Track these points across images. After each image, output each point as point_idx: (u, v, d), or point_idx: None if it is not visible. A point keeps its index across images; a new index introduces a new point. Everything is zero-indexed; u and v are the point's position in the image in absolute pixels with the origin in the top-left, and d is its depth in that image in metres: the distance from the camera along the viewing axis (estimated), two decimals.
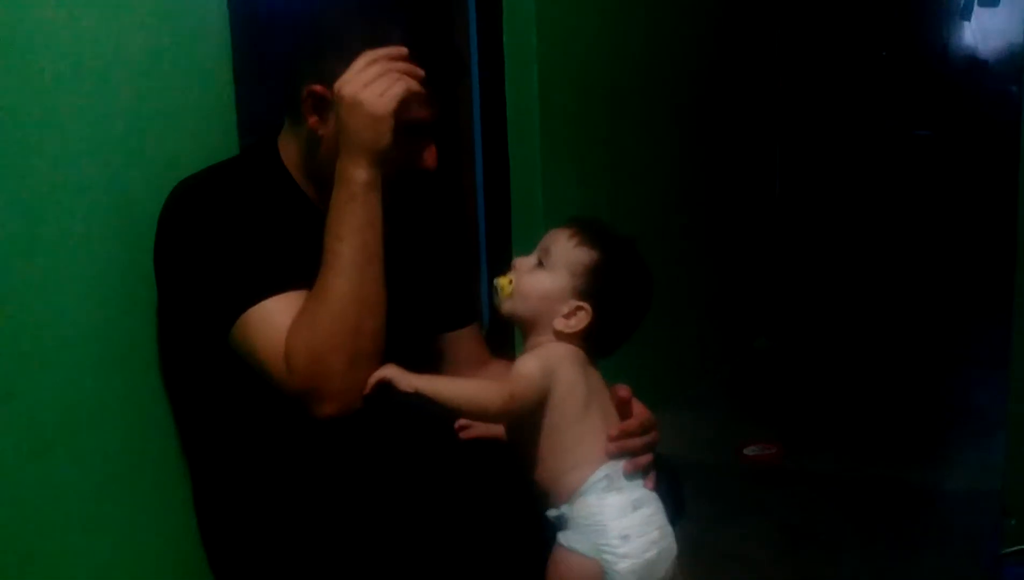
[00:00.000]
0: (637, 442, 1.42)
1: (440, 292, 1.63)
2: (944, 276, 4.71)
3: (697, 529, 2.39)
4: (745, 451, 2.95)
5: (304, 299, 1.30)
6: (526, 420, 1.39)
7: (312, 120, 1.38)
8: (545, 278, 1.42)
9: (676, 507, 1.59)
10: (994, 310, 2.69)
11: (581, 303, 1.40)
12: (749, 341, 4.20)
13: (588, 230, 1.45)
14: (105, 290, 1.40)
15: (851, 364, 3.98)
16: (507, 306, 1.43)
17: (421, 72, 1.32)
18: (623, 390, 1.44)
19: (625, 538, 1.37)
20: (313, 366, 1.26)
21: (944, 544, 2.37)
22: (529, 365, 1.37)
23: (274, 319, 1.29)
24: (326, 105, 1.36)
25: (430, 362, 1.55)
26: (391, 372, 1.30)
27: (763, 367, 4.00)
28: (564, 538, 1.39)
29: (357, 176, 1.30)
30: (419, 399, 1.28)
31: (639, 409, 1.47)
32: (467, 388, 1.37)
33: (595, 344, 1.44)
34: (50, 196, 1.32)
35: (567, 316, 1.40)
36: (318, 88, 1.35)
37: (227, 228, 1.35)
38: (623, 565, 1.36)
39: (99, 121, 1.38)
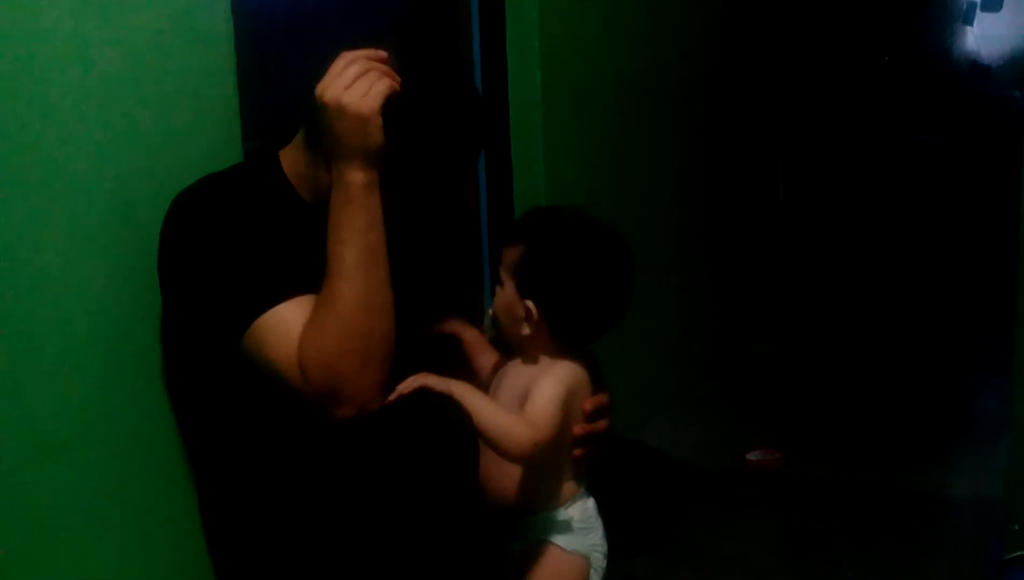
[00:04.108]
0: (603, 425, 1.47)
1: (442, 295, 1.63)
2: (947, 281, 4.71)
3: (700, 533, 2.40)
4: (748, 456, 2.94)
5: (314, 302, 1.30)
6: None
7: None
8: (501, 293, 1.44)
9: (680, 511, 1.62)
10: (997, 315, 2.68)
11: (526, 302, 1.39)
12: (752, 346, 4.20)
13: (522, 223, 1.44)
14: (110, 294, 1.40)
15: (854, 369, 3.97)
16: (490, 334, 1.47)
17: (398, 78, 1.31)
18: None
19: (604, 535, 1.48)
20: (326, 371, 1.26)
21: (947, 549, 2.37)
22: (554, 404, 1.36)
23: (286, 325, 1.29)
24: None
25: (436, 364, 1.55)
26: (428, 379, 1.31)
27: (766, 372, 4.00)
28: (563, 541, 1.44)
29: (354, 179, 1.29)
30: (450, 402, 1.30)
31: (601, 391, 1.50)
32: (498, 417, 1.33)
33: (570, 335, 1.43)
34: (55, 201, 1.32)
35: (525, 320, 1.40)
36: None
37: (232, 236, 1.34)
38: (603, 560, 1.48)
39: (103, 127, 1.38)
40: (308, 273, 1.32)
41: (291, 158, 1.46)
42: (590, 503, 1.49)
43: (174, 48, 1.49)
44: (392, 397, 1.31)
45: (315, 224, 1.39)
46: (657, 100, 3.28)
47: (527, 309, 1.39)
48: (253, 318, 1.29)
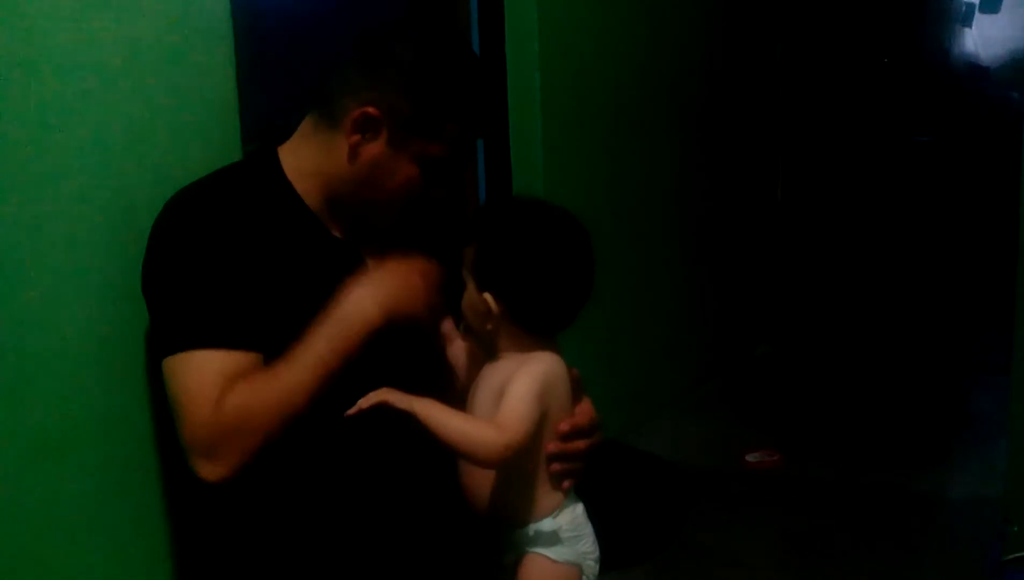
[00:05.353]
0: (581, 445, 1.39)
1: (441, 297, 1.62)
2: (946, 282, 4.72)
3: (699, 534, 2.39)
4: (747, 457, 2.94)
5: (247, 364, 1.28)
6: None
7: (355, 138, 1.35)
8: (464, 294, 1.41)
9: (676, 517, 1.60)
10: (996, 316, 2.69)
11: (484, 295, 1.36)
12: (751, 347, 4.20)
13: (474, 220, 1.43)
14: (107, 296, 1.40)
15: (853, 370, 3.98)
16: (468, 337, 1.44)
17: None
18: (573, 371, 1.41)
19: (595, 541, 1.43)
20: (233, 427, 1.25)
21: (946, 551, 2.37)
22: (526, 404, 1.32)
23: (211, 369, 1.26)
24: (372, 126, 1.34)
25: (427, 370, 1.54)
26: (389, 395, 1.28)
27: (765, 373, 4.00)
28: (552, 552, 1.39)
29: (369, 314, 1.30)
30: (412, 420, 1.27)
31: (587, 405, 1.44)
32: (463, 427, 1.30)
33: (534, 323, 1.39)
34: (54, 202, 1.32)
35: (487, 314, 1.37)
36: (372, 111, 1.33)
37: (209, 256, 1.31)
38: (595, 567, 1.42)
39: (103, 127, 1.38)
40: (290, 289, 1.30)
41: (294, 154, 1.42)
42: (579, 509, 1.43)
43: (174, 48, 1.49)
44: (352, 411, 1.28)
45: (314, 230, 1.38)
46: (656, 101, 3.28)
47: (486, 303, 1.36)
48: (185, 347, 1.27)
